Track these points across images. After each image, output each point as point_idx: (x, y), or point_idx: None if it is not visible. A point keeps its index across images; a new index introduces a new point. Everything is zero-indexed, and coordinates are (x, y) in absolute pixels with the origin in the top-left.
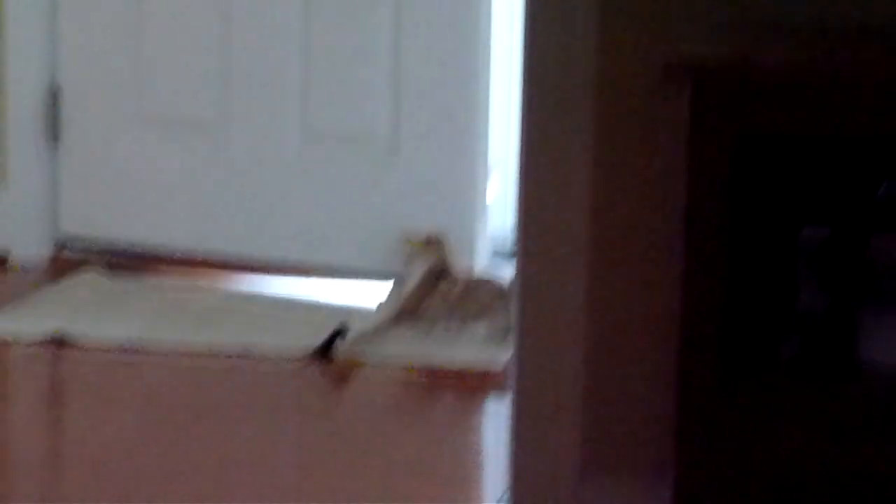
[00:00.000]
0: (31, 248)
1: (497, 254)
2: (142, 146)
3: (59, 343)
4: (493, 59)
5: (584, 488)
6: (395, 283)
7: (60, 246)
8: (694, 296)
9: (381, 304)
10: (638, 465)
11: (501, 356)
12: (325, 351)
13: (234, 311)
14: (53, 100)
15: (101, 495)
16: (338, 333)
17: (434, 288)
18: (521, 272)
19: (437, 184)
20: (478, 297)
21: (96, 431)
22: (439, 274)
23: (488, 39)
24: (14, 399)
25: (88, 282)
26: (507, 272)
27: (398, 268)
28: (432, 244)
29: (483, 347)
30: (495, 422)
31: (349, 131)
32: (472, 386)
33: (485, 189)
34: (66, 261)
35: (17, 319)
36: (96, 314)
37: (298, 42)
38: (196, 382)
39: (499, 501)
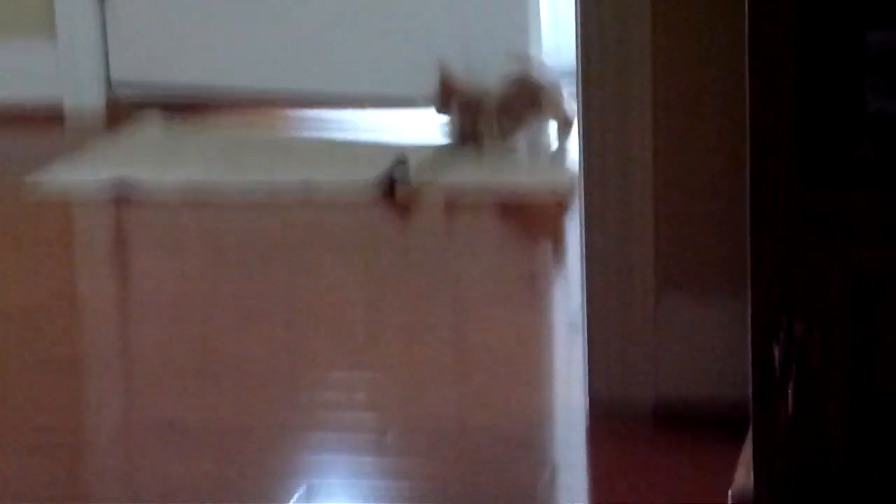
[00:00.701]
0: (83, 98)
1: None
2: None
3: (120, 190)
4: None
5: (659, 307)
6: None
7: (113, 94)
8: (762, 104)
9: (439, 129)
10: (713, 282)
11: (566, 176)
12: (387, 183)
13: (294, 148)
14: None
15: (174, 341)
16: (398, 164)
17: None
18: (583, 84)
19: (491, 10)
20: (517, 105)
21: (165, 278)
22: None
23: None
24: (81, 248)
25: (146, 128)
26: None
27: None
28: (452, 84)
29: (546, 169)
30: (567, 243)
31: None
32: (540, 207)
33: (537, 10)
34: (120, 109)
35: (78, 169)
36: (156, 160)
37: None
38: (261, 224)
39: (572, 321)
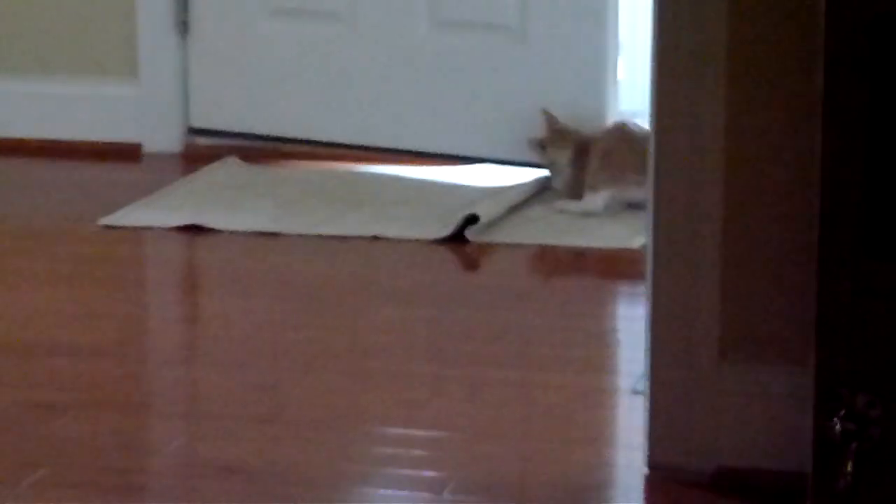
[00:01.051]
0: (161, 141)
1: None
2: (270, 38)
3: (196, 230)
4: None
5: (722, 375)
6: (524, 167)
7: (190, 138)
8: (833, 176)
9: (510, 187)
10: (777, 352)
11: (636, 237)
12: (457, 236)
13: (366, 198)
14: None
15: (238, 385)
16: (469, 220)
17: (562, 169)
18: (657, 152)
19: (566, 69)
20: (611, 164)
21: (231, 321)
22: (578, 155)
23: None
24: (150, 288)
25: (221, 173)
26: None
27: (525, 154)
28: (560, 130)
29: (618, 228)
30: (631, 304)
31: (477, 19)
32: (608, 267)
33: (615, 70)
34: (197, 154)
35: (156, 207)
36: (231, 202)
37: None
38: (329, 271)
39: (636, 385)
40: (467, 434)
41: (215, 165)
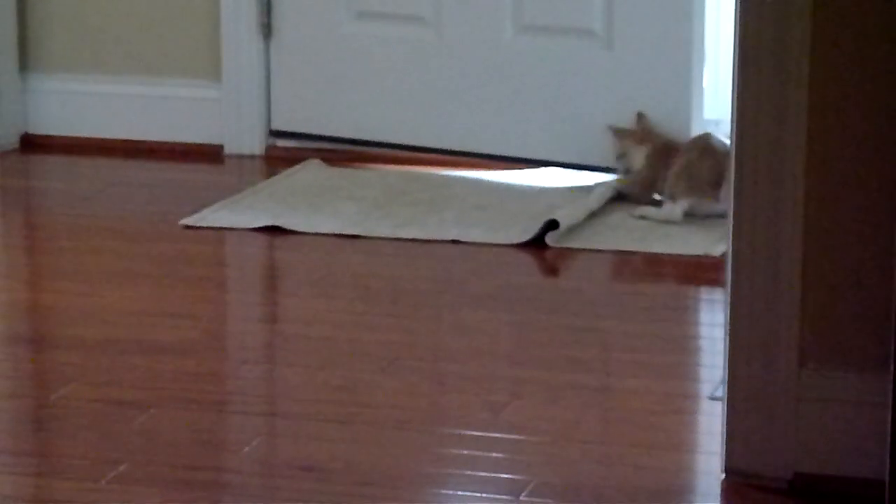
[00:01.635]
0: (243, 143)
1: None
2: (353, 41)
3: (276, 231)
4: None
5: (801, 381)
6: (605, 173)
7: (272, 140)
8: None
9: (590, 192)
10: (857, 358)
11: (717, 245)
12: (536, 241)
13: (448, 201)
14: None
15: (318, 385)
16: (549, 226)
17: (649, 174)
18: (738, 158)
19: (650, 76)
20: (691, 175)
21: (312, 321)
22: (656, 157)
23: None
24: (235, 283)
25: (306, 173)
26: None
27: (607, 159)
28: (645, 130)
29: (699, 235)
30: (710, 310)
31: (562, 24)
32: (687, 273)
33: (700, 78)
34: (278, 155)
35: (237, 209)
36: (312, 205)
37: None
38: (410, 273)
39: (715, 391)
40: (546, 437)
41: (297, 168)
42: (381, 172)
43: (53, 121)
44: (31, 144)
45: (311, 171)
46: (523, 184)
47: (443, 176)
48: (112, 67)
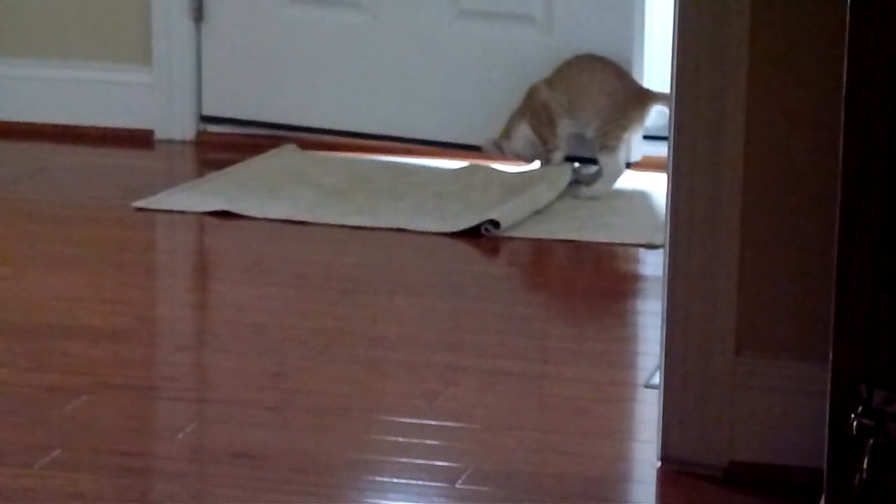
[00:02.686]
0: (174, 128)
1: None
2: (287, 26)
3: (227, 216)
4: None
5: (737, 369)
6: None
7: (203, 126)
8: (854, 169)
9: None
10: (794, 347)
11: (659, 233)
12: (473, 231)
13: (411, 189)
14: None
15: (251, 371)
16: (488, 221)
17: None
18: (675, 146)
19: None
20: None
21: (250, 301)
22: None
23: None
24: (173, 267)
25: (278, 158)
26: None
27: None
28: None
29: (638, 223)
30: (647, 298)
31: (500, 9)
32: (624, 262)
33: (641, 64)
34: (208, 141)
35: (197, 192)
36: (272, 190)
37: None
38: (348, 260)
39: (650, 379)
40: (481, 425)
41: (272, 152)
42: (352, 160)
43: None
44: None
45: (283, 157)
46: (493, 170)
47: (413, 165)
48: (42, 51)
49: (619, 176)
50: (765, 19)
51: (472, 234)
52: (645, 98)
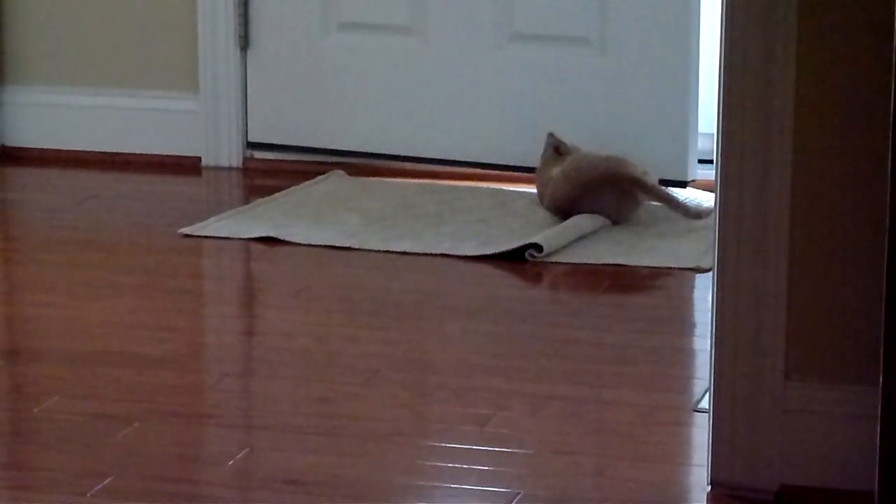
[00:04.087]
0: (220, 155)
1: (704, 161)
2: (333, 52)
3: (273, 242)
4: None
5: (788, 393)
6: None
7: (250, 152)
8: None
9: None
10: (845, 371)
11: (706, 257)
12: (517, 254)
13: (454, 214)
14: (243, 7)
15: (300, 397)
16: (531, 246)
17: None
18: (723, 170)
19: (646, 84)
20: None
21: (298, 328)
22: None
23: None
24: (221, 294)
25: (326, 184)
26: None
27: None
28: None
29: (687, 247)
30: (696, 322)
31: (553, 32)
32: (674, 285)
33: (696, 89)
34: (255, 167)
35: (243, 219)
36: (318, 216)
37: None
38: (397, 285)
39: (700, 401)
40: (532, 450)
41: (318, 179)
42: (398, 185)
43: (31, 133)
44: (8, 157)
45: (329, 183)
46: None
47: (458, 188)
48: (89, 79)
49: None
50: (812, 43)
51: (517, 260)
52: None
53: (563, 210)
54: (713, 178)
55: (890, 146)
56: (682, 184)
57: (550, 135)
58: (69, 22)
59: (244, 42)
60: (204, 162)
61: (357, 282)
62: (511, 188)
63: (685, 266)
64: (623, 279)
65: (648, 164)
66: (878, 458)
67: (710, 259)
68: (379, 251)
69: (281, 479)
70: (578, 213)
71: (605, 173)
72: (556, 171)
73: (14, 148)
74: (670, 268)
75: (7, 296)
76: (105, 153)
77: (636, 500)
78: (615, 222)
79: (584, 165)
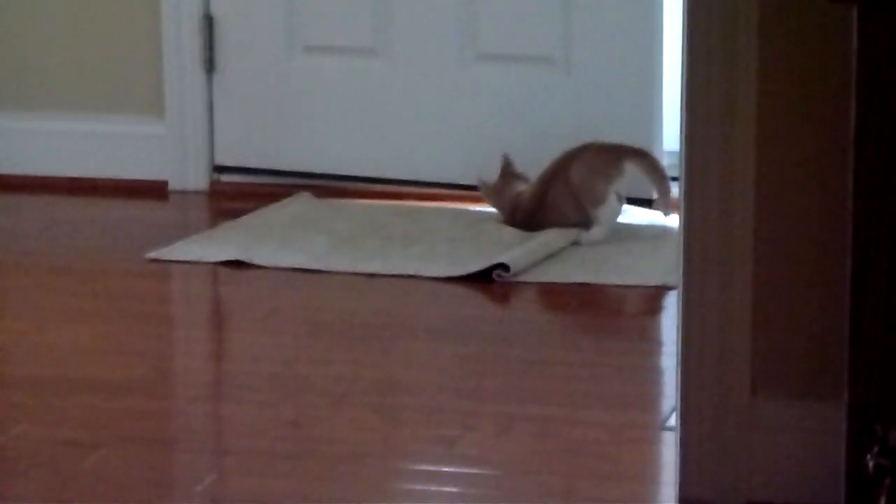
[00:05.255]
0: (187, 179)
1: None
2: (299, 75)
3: (240, 265)
4: None
5: (754, 408)
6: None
7: (216, 176)
8: (866, 208)
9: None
10: (810, 386)
11: (670, 275)
12: (484, 274)
13: (422, 235)
14: (208, 31)
15: (267, 421)
16: (499, 266)
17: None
18: (687, 188)
19: (610, 102)
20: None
21: (265, 351)
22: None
23: None
24: (187, 318)
25: (292, 207)
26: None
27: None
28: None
29: (652, 265)
30: (662, 340)
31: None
32: (639, 303)
33: (660, 105)
34: (222, 191)
35: (210, 242)
36: (285, 238)
37: None
38: (363, 303)
39: (667, 419)
40: (500, 470)
41: (286, 201)
42: (366, 206)
43: None
44: None
45: (297, 205)
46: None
47: (425, 209)
48: (55, 104)
49: (614, 219)
50: (773, 63)
51: (484, 280)
52: (619, 153)
53: (529, 218)
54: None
55: (852, 168)
56: (647, 202)
57: (505, 156)
58: (33, 46)
59: (210, 65)
60: (171, 186)
61: (325, 304)
62: (478, 208)
63: (652, 284)
64: (590, 297)
65: None
66: (843, 474)
67: (677, 276)
68: (347, 273)
69: (249, 503)
70: (546, 218)
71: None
72: (521, 185)
73: None
74: (637, 286)
75: None
76: (71, 178)
77: None
78: (584, 226)
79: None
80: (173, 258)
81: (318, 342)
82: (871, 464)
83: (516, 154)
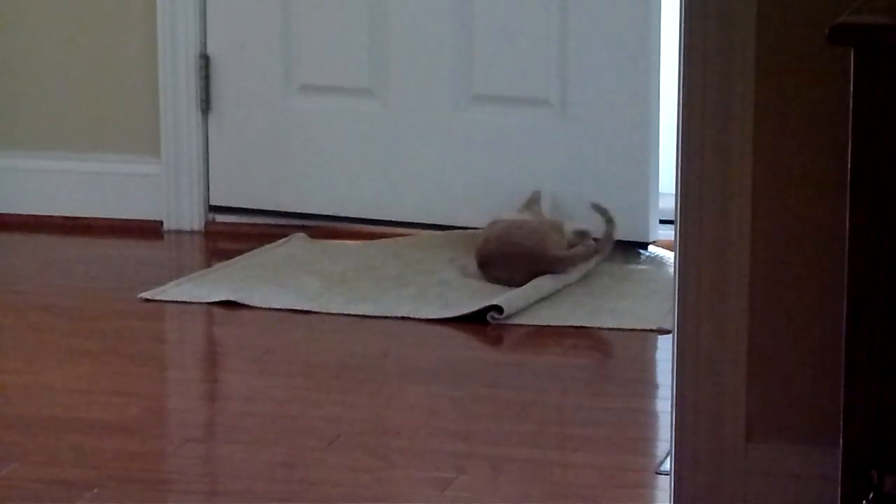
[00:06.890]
0: (183, 219)
1: (666, 221)
2: (295, 115)
3: (233, 306)
4: (661, 21)
5: (749, 454)
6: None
7: (212, 216)
8: (862, 255)
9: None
10: (805, 431)
11: (665, 318)
12: (478, 317)
13: (416, 276)
14: (204, 71)
15: (259, 463)
16: (492, 308)
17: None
18: (682, 231)
19: (606, 146)
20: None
21: (258, 392)
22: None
23: (657, 9)
24: (180, 359)
25: (286, 248)
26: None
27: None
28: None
29: (647, 309)
30: (656, 384)
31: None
32: (633, 347)
33: (657, 149)
34: (217, 231)
35: (203, 283)
36: (278, 279)
37: (452, 18)
38: (356, 345)
39: (661, 463)
40: None
41: (280, 242)
42: (360, 247)
43: None
44: None
45: (291, 246)
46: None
47: (419, 250)
48: (50, 143)
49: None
50: (770, 103)
51: (478, 322)
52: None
53: (484, 269)
54: (672, 237)
55: (848, 207)
56: (644, 245)
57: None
58: (28, 86)
59: (205, 105)
60: (166, 226)
61: (318, 345)
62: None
63: (646, 327)
64: (585, 341)
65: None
66: None
67: (668, 321)
68: (340, 314)
69: None
70: (494, 275)
71: (525, 252)
72: (494, 229)
73: None
74: (632, 329)
75: None
76: (66, 217)
77: None
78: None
79: (507, 237)
80: (167, 298)
81: (312, 383)
82: None
83: (511, 196)
